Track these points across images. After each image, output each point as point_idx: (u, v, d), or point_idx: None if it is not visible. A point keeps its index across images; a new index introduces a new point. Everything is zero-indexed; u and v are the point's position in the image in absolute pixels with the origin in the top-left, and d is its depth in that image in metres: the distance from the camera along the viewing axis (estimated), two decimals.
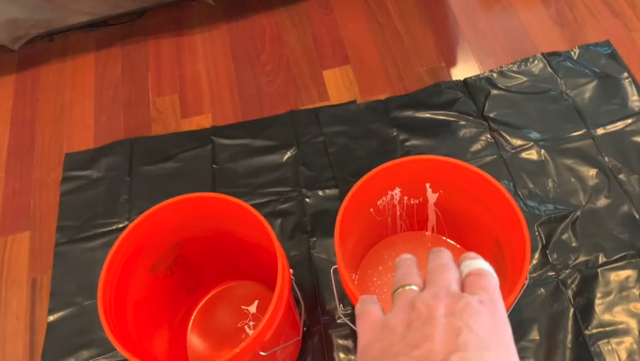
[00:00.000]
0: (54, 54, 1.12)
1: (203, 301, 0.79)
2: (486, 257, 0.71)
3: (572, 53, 0.97)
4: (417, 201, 0.70)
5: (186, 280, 0.74)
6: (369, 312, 0.33)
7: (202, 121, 0.98)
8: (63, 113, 1.03)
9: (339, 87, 1.00)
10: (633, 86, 0.92)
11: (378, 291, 0.74)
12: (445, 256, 0.36)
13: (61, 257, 0.86)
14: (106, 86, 1.06)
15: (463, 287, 0.32)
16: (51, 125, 1.01)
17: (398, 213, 0.72)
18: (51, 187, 0.94)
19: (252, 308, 0.79)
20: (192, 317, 0.78)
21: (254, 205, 0.60)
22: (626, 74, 0.93)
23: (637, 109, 0.90)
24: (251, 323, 0.78)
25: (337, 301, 0.70)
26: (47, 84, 1.07)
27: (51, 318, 0.81)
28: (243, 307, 0.79)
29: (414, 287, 0.33)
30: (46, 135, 1.00)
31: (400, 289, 0.33)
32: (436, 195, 0.68)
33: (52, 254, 0.86)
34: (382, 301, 0.73)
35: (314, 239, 0.83)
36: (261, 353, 0.56)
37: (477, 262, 0.34)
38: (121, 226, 0.87)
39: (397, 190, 0.67)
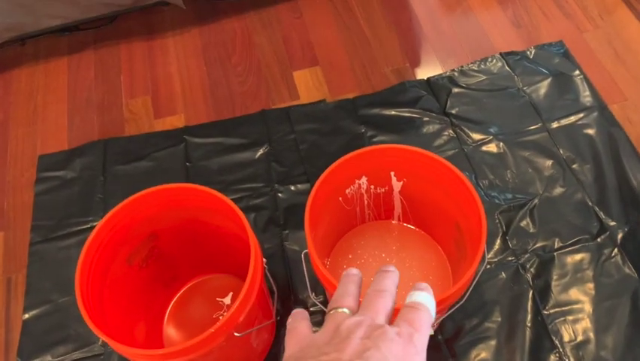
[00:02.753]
0: (26, 58, 1.13)
1: (179, 294, 0.81)
2: (448, 240, 0.75)
3: (528, 53, 1.03)
4: (383, 190, 0.74)
5: (162, 273, 0.76)
6: (297, 328, 0.36)
7: (175, 121, 1.01)
8: (36, 115, 1.04)
9: (309, 87, 1.04)
10: (585, 83, 0.98)
11: None
12: (387, 279, 0.37)
13: (36, 256, 0.87)
14: (79, 88, 1.07)
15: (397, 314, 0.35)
16: (24, 127, 1.02)
17: (366, 202, 0.75)
18: (25, 188, 0.95)
19: (227, 300, 0.81)
20: (168, 309, 0.80)
21: None
22: (578, 72, 0.99)
23: (588, 104, 0.95)
24: (226, 314, 0.80)
25: (309, 289, 0.72)
26: (20, 87, 1.08)
27: (26, 316, 0.82)
28: (218, 299, 0.81)
29: (346, 310, 0.35)
30: (19, 137, 1.01)
31: (333, 311, 0.36)
32: (401, 183, 0.72)
33: (26, 253, 0.87)
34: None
35: (287, 232, 0.86)
36: (236, 333, 0.59)
37: (418, 295, 0.35)
38: (95, 224, 0.88)
39: (364, 179, 0.71)
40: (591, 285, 0.79)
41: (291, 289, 0.81)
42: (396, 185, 0.72)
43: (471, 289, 0.67)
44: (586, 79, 0.99)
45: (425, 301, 0.35)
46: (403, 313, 0.35)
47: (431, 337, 0.32)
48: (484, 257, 0.67)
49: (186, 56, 1.10)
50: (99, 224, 0.61)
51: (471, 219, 0.64)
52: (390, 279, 0.37)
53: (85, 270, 0.60)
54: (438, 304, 0.56)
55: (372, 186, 0.73)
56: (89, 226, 0.89)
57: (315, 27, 1.12)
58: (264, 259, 0.67)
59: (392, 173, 0.70)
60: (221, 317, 0.80)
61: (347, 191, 0.71)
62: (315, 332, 0.35)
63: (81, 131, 1.01)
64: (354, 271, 0.40)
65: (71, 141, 1.00)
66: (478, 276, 0.65)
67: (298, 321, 0.37)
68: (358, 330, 0.32)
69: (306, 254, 0.62)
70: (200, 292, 0.81)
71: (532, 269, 0.80)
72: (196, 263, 0.80)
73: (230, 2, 1.17)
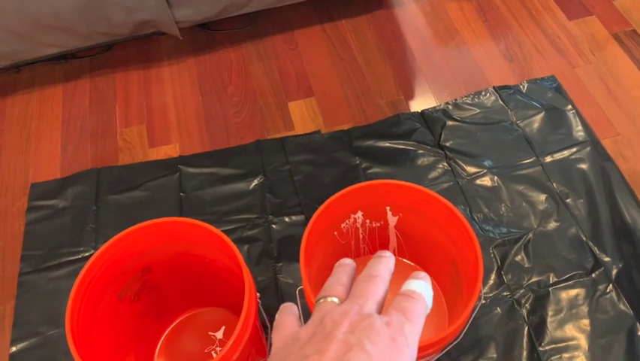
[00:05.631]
0: (20, 86, 1.12)
1: (171, 328, 0.80)
2: (443, 276, 0.74)
3: (521, 87, 1.04)
4: (378, 225, 0.73)
5: (154, 307, 0.75)
6: (284, 323, 0.34)
7: (169, 151, 1.00)
8: (29, 143, 1.03)
9: (304, 118, 1.04)
10: (577, 118, 0.99)
11: None
12: (380, 264, 0.35)
13: (25, 287, 0.85)
14: (73, 116, 1.07)
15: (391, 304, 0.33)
16: (16, 155, 1.01)
17: (361, 236, 0.75)
18: (16, 217, 0.93)
19: (219, 334, 0.80)
20: (159, 344, 0.78)
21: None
22: (570, 107, 1.01)
23: (581, 138, 0.96)
24: (218, 349, 0.79)
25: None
26: (13, 115, 1.08)
27: (14, 349, 0.80)
28: (210, 333, 0.80)
29: (334, 299, 0.33)
30: (11, 165, 1.00)
31: (322, 300, 0.34)
32: (396, 218, 0.72)
33: (15, 284, 0.86)
34: None
35: (280, 264, 0.85)
36: None
37: (414, 283, 0.34)
38: (87, 254, 0.88)
39: (360, 213, 0.71)
40: (586, 321, 0.78)
41: None
42: (392, 220, 0.72)
43: (467, 326, 0.66)
44: (578, 113, 1.00)
45: (422, 289, 0.33)
46: (396, 301, 0.33)
47: None
48: (480, 294, 0.67)
49: (182, 85, 1.10)
50: (91, 259, 0.60)
51: (467, 256, 0.63)
52: (384, 264, 0.36)
53: (76, 305, 0.58)
54: (434, 344, 0.56)
55: (367, 221, 0.72)
56: (79, 256, 0.88)
57: (310, 58, 1.13)
58: (258, 294, 0.66)
59: (388, 208, 0.70)
60: (212, 352, 0.79)
61: (342, 225, 0.71)
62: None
63: (74, 159, 1.00)
64: (347, 261, 0.37)
65: (64, 170, 0.99)
66: (475, 313, 0.64)
67: (284, 315, 0.35)
68: (343, 323, 0.30)
69: (301, 290, 0.62)
70: (192, 326, 0.80)
71: (527, 305, 0.80)
72: (188, 296, 0.79)
73: (227, 33, 1.19)
